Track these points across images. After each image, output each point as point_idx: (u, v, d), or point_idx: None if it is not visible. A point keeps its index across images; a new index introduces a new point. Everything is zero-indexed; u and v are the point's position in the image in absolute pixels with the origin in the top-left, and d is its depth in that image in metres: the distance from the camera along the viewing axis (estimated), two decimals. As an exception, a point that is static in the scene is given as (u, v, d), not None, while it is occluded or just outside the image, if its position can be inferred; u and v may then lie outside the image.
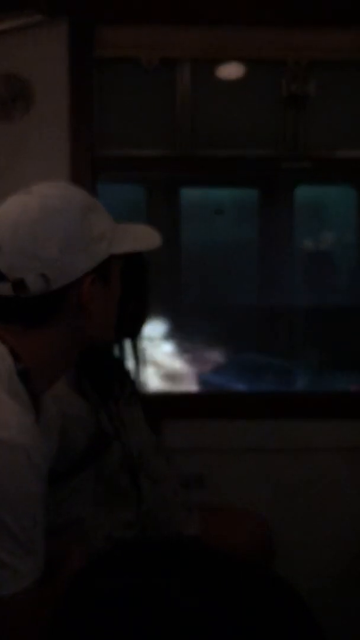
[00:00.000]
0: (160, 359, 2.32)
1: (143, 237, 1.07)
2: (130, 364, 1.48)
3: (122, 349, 1.46)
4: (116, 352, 1.46)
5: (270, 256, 2.62)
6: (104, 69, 1.93)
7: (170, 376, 2.28)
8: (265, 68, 1.97)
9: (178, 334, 2.49)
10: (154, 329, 2.28)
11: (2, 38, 1.78)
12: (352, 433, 1.91)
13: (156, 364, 2.27)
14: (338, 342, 2.49)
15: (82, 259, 0.95)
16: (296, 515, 1.90)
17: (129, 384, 1.49)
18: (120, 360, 1.47)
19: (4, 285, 0.93)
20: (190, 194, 2.65)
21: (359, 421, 1.92)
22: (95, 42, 1.85)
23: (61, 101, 1.82)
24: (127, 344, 1.46)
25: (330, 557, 1.92)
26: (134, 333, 1.46)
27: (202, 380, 2.33)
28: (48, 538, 0.95)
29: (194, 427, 1.88)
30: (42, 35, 1.81)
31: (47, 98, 1.82)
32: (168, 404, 1.92)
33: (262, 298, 2.65)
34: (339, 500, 1.92)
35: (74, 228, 0.94)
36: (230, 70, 2.00)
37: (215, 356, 2.45)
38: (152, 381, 2.18)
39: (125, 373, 1.49)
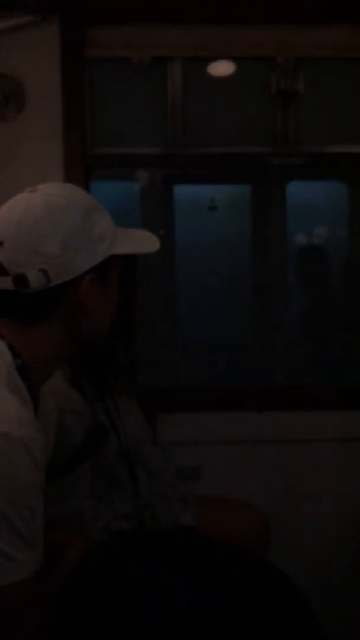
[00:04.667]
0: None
1: (143, 241, 1.10)
2: (125, 358, 1.51)
3: (117, 344, 1.48)
4: (111, 347, 1.48)
5: (263, 252, 2.63)
6: (96, 69, 1.94)
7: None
8: (255, 65, 1.98)
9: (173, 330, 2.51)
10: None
11: (-6, 38, 1.79)
12: (347, 424, 1.93)
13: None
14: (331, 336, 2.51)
15: (82, 258, 0.97)
16: (292, 507, 1.91)
17: (124, 378, 1.52)
18: (116, 355, 1.49)
19: (5, 279, 0.95)
20: (183, 191, 2.66)
21: (355, 412, 1.94)
22: (87, 42, 1.87)
23: (54, 100, 1.83)
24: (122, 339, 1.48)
25: (326, 548, 1.94)
26: (128, 328, 1.48)
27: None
28: (47, 530, 0.97)
29: (190, 420, 1.90)
30: (33, 36, 1.82)
31: (40, 97, 1.83)
32: (164, 398, 1.94)
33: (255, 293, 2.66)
34: (335, 492, 1.94)
35: (76, 226, 0.97)
36: (221, 68, 2.01)
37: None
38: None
39: (120, 367, 1.51)
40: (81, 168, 1.85)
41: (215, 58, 1.99)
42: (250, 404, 1.96)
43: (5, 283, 0.95)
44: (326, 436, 1.94)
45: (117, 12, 1.85)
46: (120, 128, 2.01)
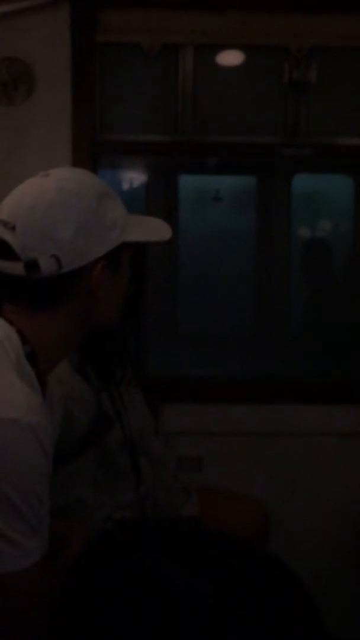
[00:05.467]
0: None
1: (155, 229, 1.08)
2: (131, 347, 1.50)
3: (123, 333, 1.48)
4: (120, 336, 1.47)
5: (268, 244, 2.63)
6: (106, 54, 1.92)
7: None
8: (267, 54, 1.96)
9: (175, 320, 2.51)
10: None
11: (4, 21, 1.76)
12: (349, 418, 1.93)
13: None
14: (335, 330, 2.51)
15: (94, 244, 0.96)
16: (293, 499, 1.92)
17: (130, 368, 1.51)
18: (122, 344, 1.48)
19: (16, 265, 0.94)
20: (188, 182, 2.65)
21: (354, 406, 1.94)
22: (98, 27, 1.84)
23: (63, 85, 1.81)
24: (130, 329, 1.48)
25: (326, 540, 1.95)
26: (136, 318, 1.48)
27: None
28: (51, 518, 0.97)
29: (192, 411, 1.90)
30: (44, 19, 1.79)
31: (49, 82, 1.81)
32: (167, 388, 1.93)
33: (260, 285, 2.66)
34: (336, 484, 1.95)
35: (89, 212, 0.96)
36: (232, 56, 1.99)
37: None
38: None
39: (126, 357, 1.50)
40: (89, 154, 1.83)
41: (227, 46, 1.96)
42: (252, 396, 1.95)
43: (17, 268, 0.94)
44: (327, 430, 1.94)
45: (128, -4, 1.82)
46: (129, 115, 1.99)
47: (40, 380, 0.98)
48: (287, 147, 1.99)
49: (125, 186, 2.55)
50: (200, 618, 1.10)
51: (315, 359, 2.44)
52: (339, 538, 1.94)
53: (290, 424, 1.93)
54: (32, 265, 0.93)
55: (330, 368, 2.37)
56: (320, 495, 1.94)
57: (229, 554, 1.27)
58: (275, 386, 2.01)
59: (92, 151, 1.85)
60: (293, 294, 2.68)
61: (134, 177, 2.53)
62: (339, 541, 1.94)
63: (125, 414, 1.43)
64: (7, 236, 0.94)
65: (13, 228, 0.94)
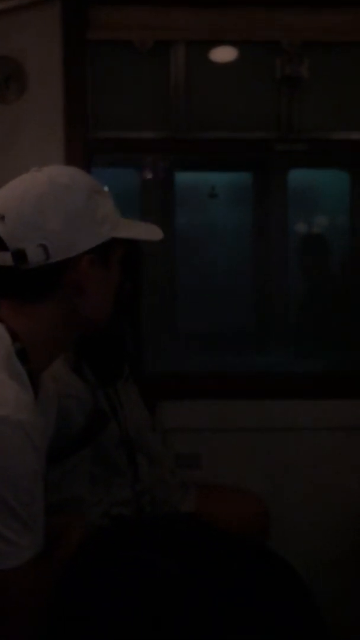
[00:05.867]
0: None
1: (145, 229, 1.10)
2: (128, 345, 1.50)
3: (119, 331, 1.47)
4: (117, 334, 1.47)
5: (264, 239, 2.62)
6: (98, 51, 1.92)
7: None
8: (260, 49, 1.96)
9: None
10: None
11: (-5, 19, 1.77)
12: (346, 412, 1.93)
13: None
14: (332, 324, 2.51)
15: (83, 237, 0.96)
16: (291, 494, 1.92)
17: (126, 365, 1.51)
18: (119, 342, 1.48)
19: (4, 254, 0.94)
20: (184, 179, 2.64)
21: (354, 400, 1.94)
22: (89, 24, 1.84)
23: (55, 83, 1.81)
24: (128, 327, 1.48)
25: (324, 535, 1.95)
26: (133, 316, 1.48)
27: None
28: (47, 515, 0.97)
29: (190, 407, 1.90)
30: (35, 17, 1.79)
31: (41, 80, 1.81)
32: (164, 385, 1.93)
33: (257, 281, 2.66)
34: (334, 479, 1.95)
35: (79, 205, 0.96)
36: (224, 52, 1.99)
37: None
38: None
39: (123, 354, 1.50)
40: (82, 151, 1.83)
41: (219, 42, 1.96)
42: (249, 391, 1.95)
43: (5, 259, 0.94)
44: (326, 424, 1.94)
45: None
46: (122, 112, 1.99)
47: (33, 378, 0.98)
48: (281, 143, 1.99)
49: (120, 184, 2.55)
50: (198, 614, 1.10)
51: (313, 353, 2.44)
52: (338, 533, 1.94)
53: (288, 419, 1.93)
54: (19, 256, 0.93)
55: (327, 362, 2.37)
56: (320, 490, 1.94)
57: (227, 550, 1.27)
58: (272, 381, 2.01)
59: (85, 149, 1.85)
60: (291, 289, 2.68)
61: (129, 175, 2.52)
62: (338, 536, 1.94)
63: (122, 411, 1.43)
64: None
65: (2, 218, 0.94)
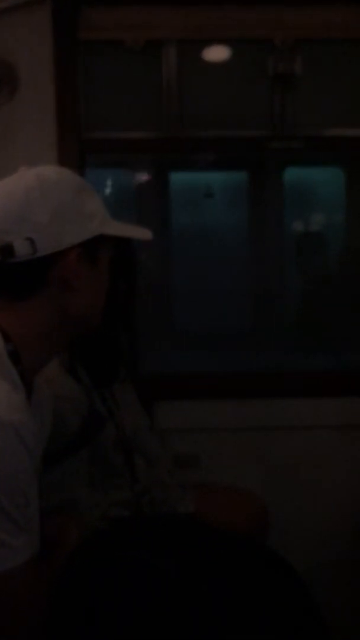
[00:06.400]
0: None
1: (134, 229, 1.10)
2: (124, 346, 1.49)
3: (115, 332, 1.47)
4: (112, 335, 1.46)
5: (261, 238, 2.62)
6: (89, 51, 1.91)
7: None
8: (252, 47, 1.95)
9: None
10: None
11: (-15, 21, 1.76)
12: (344, 410, 1.93)
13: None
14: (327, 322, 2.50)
15: (70, 231, 0.96)
16: (290, 493, 1.91)
17: (122, 367, 1.50)
18: (114, 343, 1.47)
19: None
20: (179, 179, 2.64)
21: (351, 399, 1.93)
22: (80, 24, 1.84)
23: (47, 84, 1.81)
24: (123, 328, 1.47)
25: (324, 534, 1.94)
26: (128, 317, 1.47)
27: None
28: (44, 517, 0.96)
29: (187, 408, 1.90)
30: (26, 18, 1.79)
31: (33, 81, 1.81)
32: (161, 385, 1.93)
33: (254, 280, 2.66)
34: (332, 478, 1.94)
35: (66, 200, 0.97)
36: (216, 51, 1.98)
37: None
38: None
39: (118, 356, 1.49)
40: (75, 152, 1.82)
41: (210, 40, 1.96)
42: (246, 391, 1.95)
43: None
44: (324, 423, 1.94)
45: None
46: (115, 112, 1.99)
47: (26, 379, 0.97)
48: (276, 140, 1.98)
49: (115, 185, 2.54)
50: (197, 614, 1.09)
51: (311, 351, 2.44)
52: (338, 531, 1.94)
53: (286, 417, 1.92)
54: (7, 250, 0.93)
55: (326, 360, 2.37)
56: (318, 488, 1.94)
57: (226, 550, 1.27)
58: (269, 380, 2.01)
59: (78, 149, 1.84)
60: (288, 287, 2.68)
61: (124, 176, 2.52)
62: (338, 535, 1.94)
63: (118, 413, 1.42)
64: None
65: None
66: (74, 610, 1.04)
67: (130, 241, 1.30)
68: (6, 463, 0.85)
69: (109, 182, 2.52)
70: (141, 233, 1.09)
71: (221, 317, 2.63)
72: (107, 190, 2.50)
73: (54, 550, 1.03)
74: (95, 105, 1.94)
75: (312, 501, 1.94)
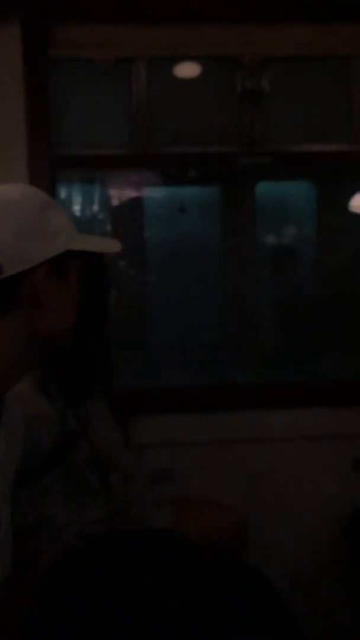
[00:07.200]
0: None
1: (103, 242, 1.10)
2: (98, 363, 1.49)
3: (87, 348, 1.46)
4: (84, 352, 1.45)
5: (234, 252, 2.64)
6: (60, 69, 1.92)
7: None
8: (221, 65, 1.99)
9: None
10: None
11: None
12: (319, 421, 1.94)
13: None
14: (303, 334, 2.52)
15: (37, 248, 0.95)
16: (266, 505, 1.91)
17: (99, 384, 1.50)
18: (87, 360, 1.47)
19: None
20: (152, 194, 2.65)
21: (325, 410, 1.95)
22: (50, 42, 1.85)
23: (17, 101, 1.81)
24: (94, 343, 1.47)
25: (302, 545, 1.95)
26: (101, 333, 1.46)
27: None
28: (19, 537, 0.95)
29: (162, 422, 1.89)
30: (-5, 36, 1.80)
31: (2, 99, 1.81)
32: (136, 400, 1.92)
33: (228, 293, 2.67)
34: (308, 489, 1.95)
35: (31, 218, 0.96)
36: (186, 68, 2.01)
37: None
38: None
39: (91, 372, 1.49)
40: (46, 169, 1.82)
41: (180, 58, 1.98)
42: (221, 403, 1.95)
43: None
44: (299, 434, 1.94)
45: (79, 11, 1.83)
46: (86, 129, 1.99)
47: (-5, 399, 0.96)
48: (245, 156, 2.01)
49: (89, 202, 2.54)
50: (173, 631, 1.09)
51: (286, 363, 2.45)
52: (316, 544, 1.94)
53: (261, 429, 1.93)
54: None
55: (300, 372, 2.38)
56: (295, 500, 1.94)
57: (202, 566, 1.26)
58: (244, 392, 2.01)
59: (49, 166, 1.84)
60: (262, 300, 2.69)
61: (96, 193, 2.52)
62: (316, 547, 1.94)
63: (92, 430, 1.41)
64: None
65: None
66: (49, 630, 1.02)
67: (101, 255, 1.30)
68: None
69: (81, 200, 2.52)
70: (110, 246, 1.08)
71: (196, 330, 2.63)
72: (81, 208, 2.51)
73: (29, 571, 1.02)
74: (66, 122, 1.95)
75: (290, 513, 1.94)
